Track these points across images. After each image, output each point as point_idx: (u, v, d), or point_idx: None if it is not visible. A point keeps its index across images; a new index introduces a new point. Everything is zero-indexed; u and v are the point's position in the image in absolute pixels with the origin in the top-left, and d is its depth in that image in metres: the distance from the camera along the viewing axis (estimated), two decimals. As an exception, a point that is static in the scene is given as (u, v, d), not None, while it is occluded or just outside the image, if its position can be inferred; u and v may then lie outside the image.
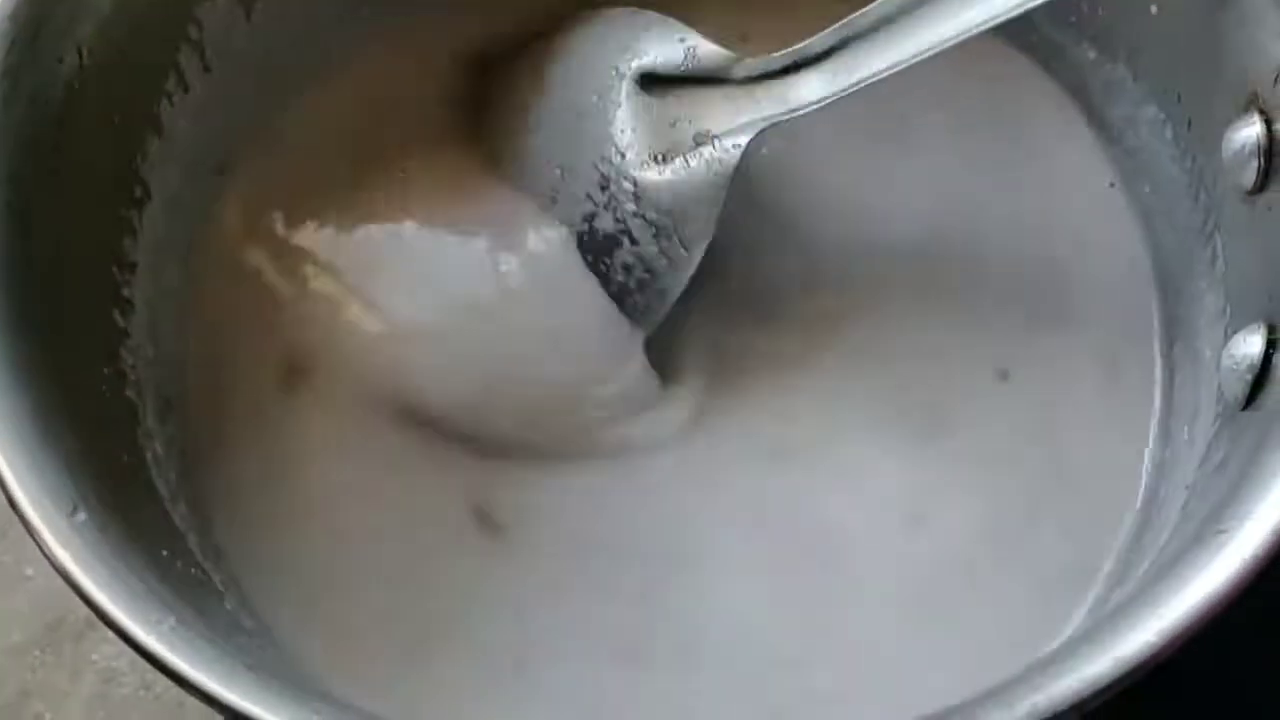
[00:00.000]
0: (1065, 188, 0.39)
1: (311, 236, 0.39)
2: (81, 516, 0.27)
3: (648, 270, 0.37)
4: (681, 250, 0.37)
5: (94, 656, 0.44)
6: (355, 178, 0.40)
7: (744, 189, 0.37)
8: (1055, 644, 0.31)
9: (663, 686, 0.34)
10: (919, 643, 0.34)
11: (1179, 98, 0.35)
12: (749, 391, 0.38)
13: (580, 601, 0.35)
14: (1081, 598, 0.34)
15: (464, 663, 0.34)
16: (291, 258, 0.39)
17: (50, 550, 0.26)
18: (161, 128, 0.37)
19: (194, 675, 0.25)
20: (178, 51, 0.37)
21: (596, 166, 0.38)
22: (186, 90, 0.37)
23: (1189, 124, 0.35)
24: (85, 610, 0.43)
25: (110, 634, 0.43)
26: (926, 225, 0.39)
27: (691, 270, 0.37)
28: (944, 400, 0.37)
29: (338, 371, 0.38)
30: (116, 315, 0.35)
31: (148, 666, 0.43)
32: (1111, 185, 0.39)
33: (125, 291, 0.35)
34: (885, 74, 0.35)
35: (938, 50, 0.34)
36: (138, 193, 0.36)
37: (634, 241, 0.37)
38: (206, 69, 0.38)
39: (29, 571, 0.45)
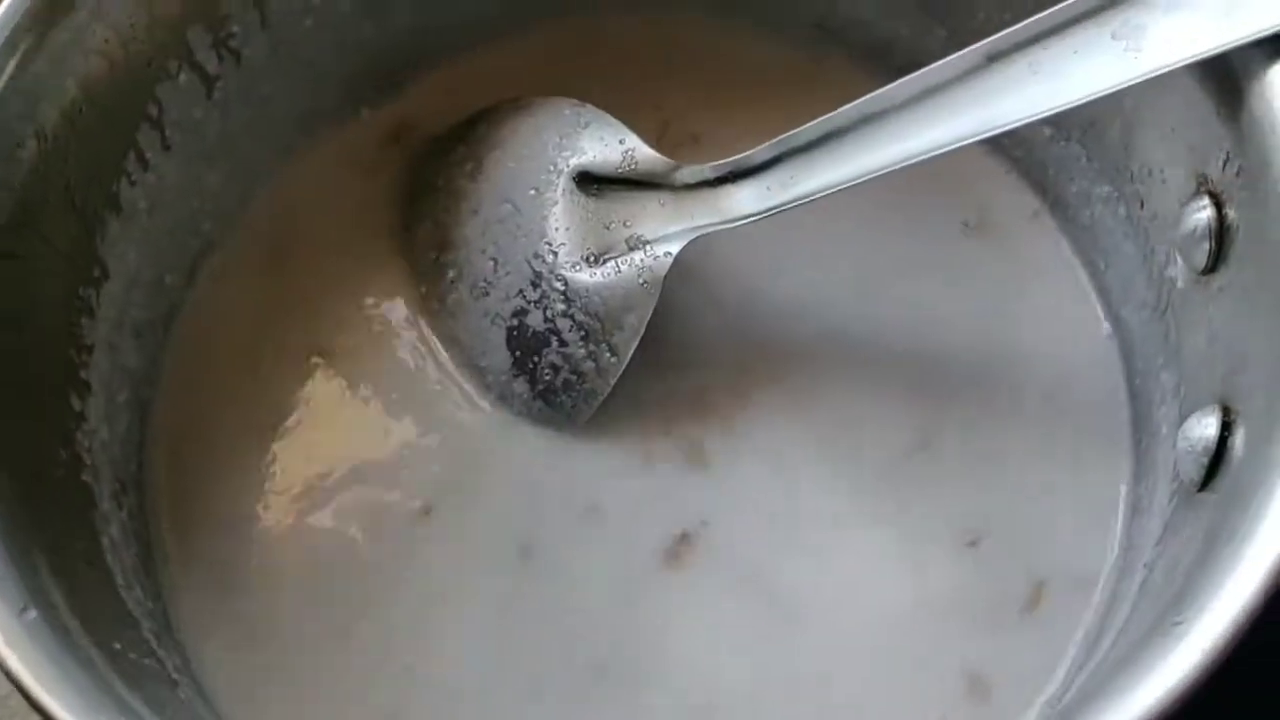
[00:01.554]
0: (1022, 266, 0.39)
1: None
2: (31, 614, 0.27)
3: (574, 372, 0.37)
4: (609, 355, 0.37)
5: None
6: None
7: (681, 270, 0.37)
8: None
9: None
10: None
11: (1131, 176, 0.36)
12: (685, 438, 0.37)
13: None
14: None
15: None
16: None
17: (-2, 650, 0.26)
18: (121, 207, 0.36)
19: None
20: (137, 130, 0.37)
21: (529, 262, 0.38)
22: (146, 169, 0.37)
23: (1141, 203, 0.35)
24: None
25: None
26: (871, 306, 0.39)
27: (618, 375, 0.37)
28: (881, 471, 0.37)
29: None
30: (74, 398, 0.34)
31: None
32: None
33: (83, 374, 0.35)
34: (822, 194, 0.35)
35: (878, 174, 0.34)
36: (96, 272, 0.36)
37: (562, 343, 0.37)
38: (166, 147, 0.37)
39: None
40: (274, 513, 0.37)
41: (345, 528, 0.37)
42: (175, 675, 0.33)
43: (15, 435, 0.31)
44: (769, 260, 0.39)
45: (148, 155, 0.37)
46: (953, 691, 0.34)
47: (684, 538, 0.36)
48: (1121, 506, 0.35)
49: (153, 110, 0.37)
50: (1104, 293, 0.38)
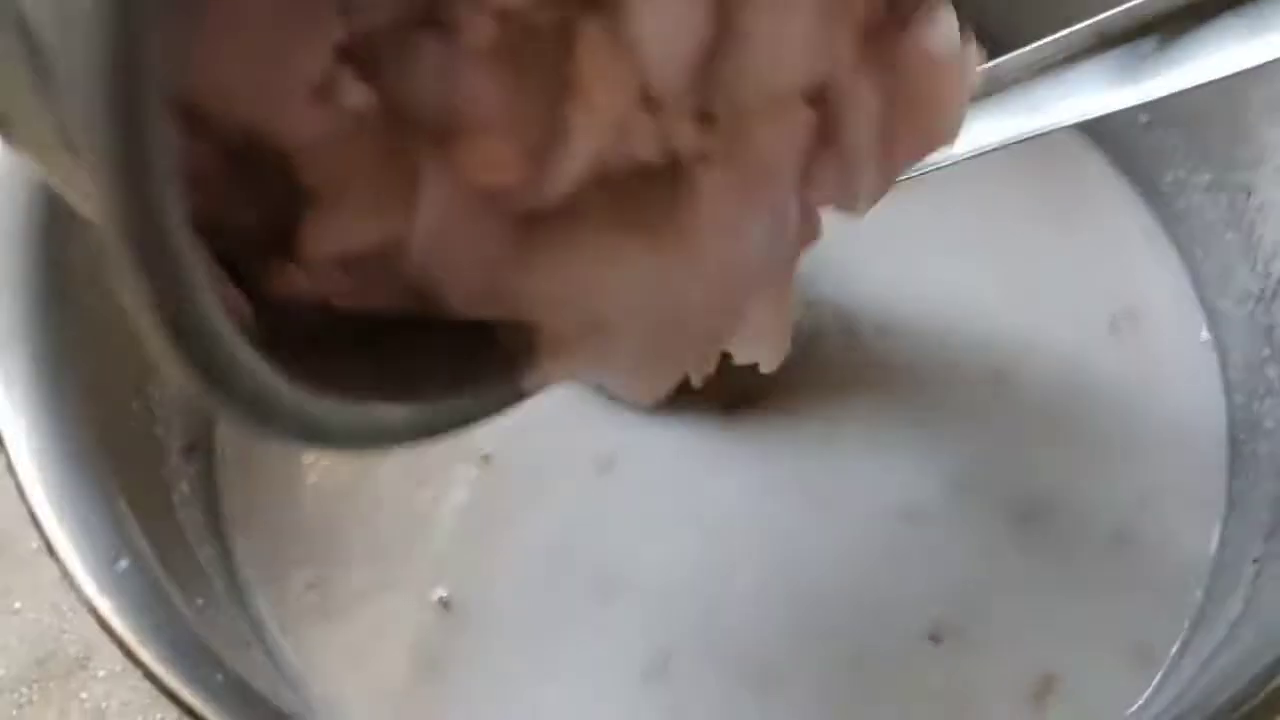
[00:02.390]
0: (1115, 254, 0.38)
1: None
2: (123, 564, 0.26)
3: None
4: None
5: (83, 695, 0.42)
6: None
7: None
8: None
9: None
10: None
11: (1236, 164, 0.35)
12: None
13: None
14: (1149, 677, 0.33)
15: None
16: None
17: (90, 600, 0.25)
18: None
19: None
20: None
21: None
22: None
23: (1248, 193, 0.35)
24: (75, 647, 0.43)
25: (101, 672, 0.43)
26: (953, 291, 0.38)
27: None
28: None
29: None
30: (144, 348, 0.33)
31: (139, 706, 0.42)
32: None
33: (156, 323, 0.34)
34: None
35: (966, 159, 0.32)
36: (171, 222, 0.35)
37: None
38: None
39: (17, 605, 0.44)
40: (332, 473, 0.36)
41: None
42: (248, 636, 0.32)
43: (94, 384, 0.30)
44: (856, 241, 0.38)
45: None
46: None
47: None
48: (1222, 501, 0.35)
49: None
50: (1200, 284, 0.38)
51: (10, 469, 0.27)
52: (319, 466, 0.36)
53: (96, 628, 0.43)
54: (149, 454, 0.33)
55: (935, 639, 0.33)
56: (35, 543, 0.43)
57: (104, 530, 0.26)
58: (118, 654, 0.42)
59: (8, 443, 0.26)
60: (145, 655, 0.24)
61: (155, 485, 0.32)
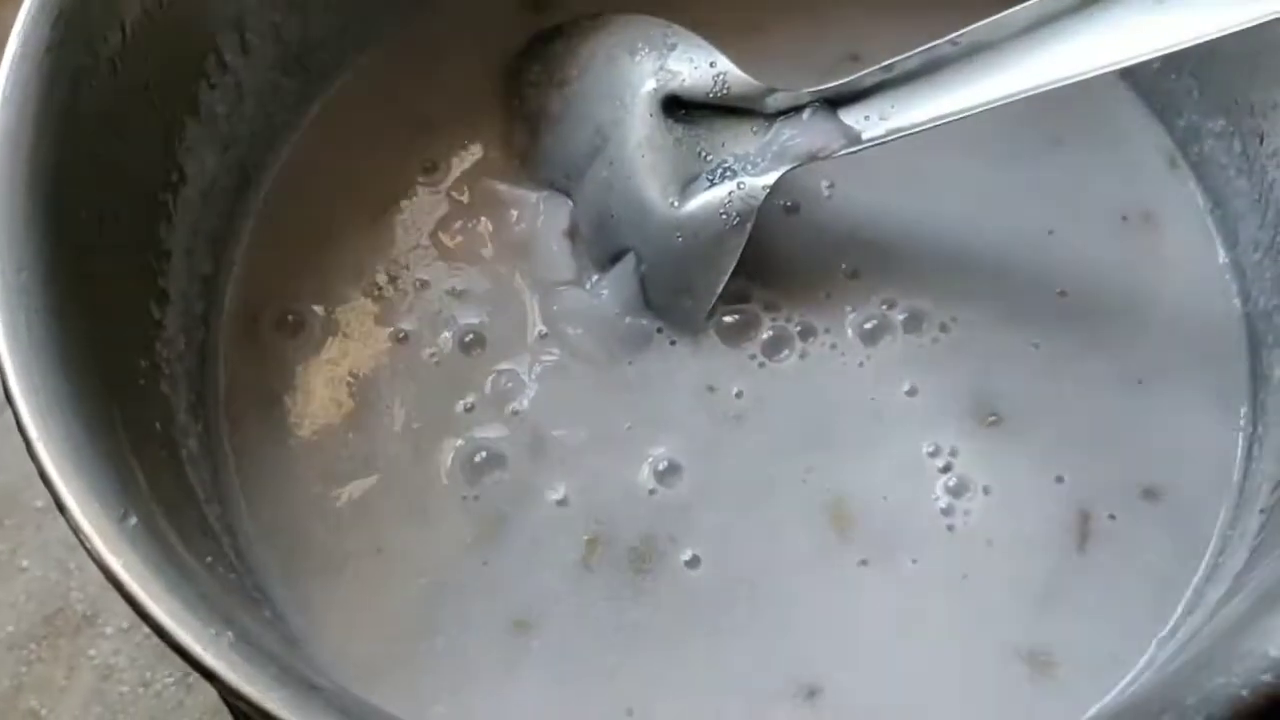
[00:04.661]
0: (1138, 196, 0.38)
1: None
2: (132, 520, 0.26)
3: (668, 301, 0.36)
4: (702, 288, 0.36)
5: (91, 651, 0.43)
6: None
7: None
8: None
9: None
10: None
11: (1251, 110, 0.34)
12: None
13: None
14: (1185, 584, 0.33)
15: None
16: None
17: (100, 556, 0.25)
18: (199, 111, 0.35)
19: (260, 698, 0.24)
20: (218, 31, 0.35)
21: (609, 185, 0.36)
22: (225, 71, 0.36)
23: (1261, 138, 0.34)
24: (83, 605, 0.43)
25: (109, 629, 0.43)
26: (982, 235, 0.38)
27: (709, 307, 0.36)
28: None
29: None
30: (152, 306, 0.33)
31: (146, 663, 0.42)
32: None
33: (161, 282, 0.34)
34: (925, 127, 0.33)
35: (982, 109, 0.33)
36: (174, 177, 0.35)
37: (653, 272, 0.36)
38: (245, 50, 0.36)
39: (24, 563, 0.44)
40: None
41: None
42: (254, 594, 0.32)
43: (102, 340, 0.30)
44: (875, 187, 0.37)
45: (227, 58, 0.36)
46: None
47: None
48: (1239, 449, 0.34)
49: (232, 10, 0.36)
50: (1218, 229, 0.37)
51: (19, 425, 0.26)
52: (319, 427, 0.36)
53: (104, 585, 0.42)
54: (157, 411, 0.32)
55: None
56: (42, 500, 0.44)
57: (113, 487, 0.26)
58: (125, 611, 0.42)
59: (16, 398, 0.26)
60: (156, 611, 0.24)
61: (164, 442, 0.32)
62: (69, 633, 0.43)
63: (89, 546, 0.25)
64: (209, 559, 0.29)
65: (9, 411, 0.45)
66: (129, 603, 0.25)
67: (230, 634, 0.24)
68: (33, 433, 0.26)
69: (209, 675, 0.24)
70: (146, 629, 0.42)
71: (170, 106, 0.34)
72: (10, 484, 0.44)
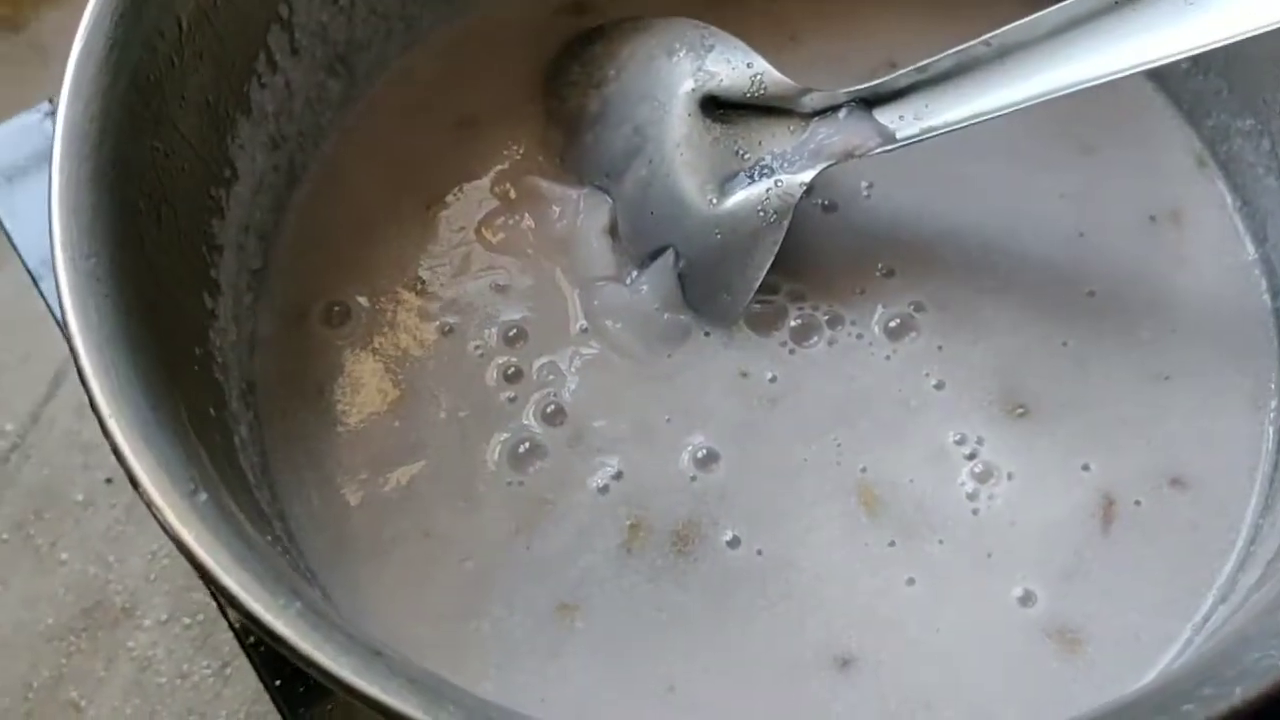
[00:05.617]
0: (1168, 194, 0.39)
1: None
2: (202, 496, 0.27)
3: (705, 295, 0.37)
4: (739, 282, 0.37)
5: (129, 644, 0.43)
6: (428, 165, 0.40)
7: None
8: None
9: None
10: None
11: None
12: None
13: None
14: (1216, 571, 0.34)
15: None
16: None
17: (173, 528, 0.26)
18: (250, 109, 0.36)
19: (329, 664, 0.24)
20: (268, 31, 0.36)
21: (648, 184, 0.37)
22: (275, 71, 0.37)
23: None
24: (121, 598, 0.44)
25: (147, 621, 0.44)
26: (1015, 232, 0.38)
27: (747, 300, 0.37)
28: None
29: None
30: (206, 297, 0.34)
31: (184, 655, 0.43)
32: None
33: (213, 273, 0.35)
34: (959, 126, 0.34)
35: (1015, 109, 0.33)
36: (226, 173, 0.36)
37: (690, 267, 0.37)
38: (294, 51, 0.37)
39: (64, 556, 0.45)
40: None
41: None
42: (306, 574, 0.33)
43: (161, 326, 0.31)
44: (912, 188, 0.38)
45: (277, 58, 0.37)
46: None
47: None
48: (1269, 440, 0.35)
49: (283, 10, 0.37)
50: (1246, 226, 0.38)
51: (92, 403, 0.27)
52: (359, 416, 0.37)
53: (142, 579, 0.44)
54: (212, 397, 0.33)
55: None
56: (81, 494, 0.45)
57: (181, 463, 0.27)
58: (164, 603, 0.44)
59: (89, 378, 0.27)
60: (228, 580, 0.25)
61: (220, 428, 0.33)
62: (108, 625, 0.43)
63: (161, 519, 0.26)
64: (268, 538, 0.30)
65: (48, 406, 0.47)
66: (200, 573, 0.26)
67: (298, 604, 0.25)
68: (105, 409, 0.27)
69: (279, 640, 0.25)
70: (186, 620, 0.44)
71: (223, 104, 0.35)
72: (50, 478, 0.45)
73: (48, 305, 0.41)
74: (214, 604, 0.43)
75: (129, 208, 0.31)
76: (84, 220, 0.29)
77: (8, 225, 0.42)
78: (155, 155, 0.32)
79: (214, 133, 0.35)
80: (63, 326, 0.28)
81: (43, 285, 0.41)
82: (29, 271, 0.42)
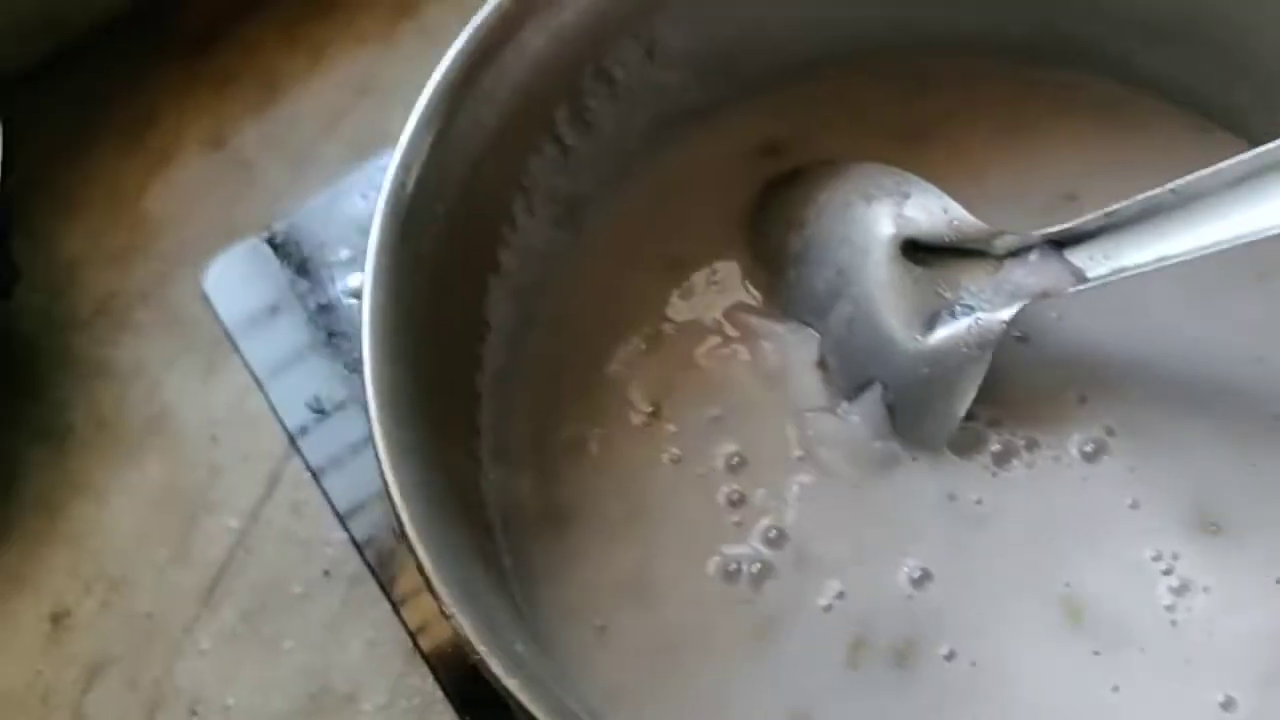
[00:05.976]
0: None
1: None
2: (519, 646, 0.31)
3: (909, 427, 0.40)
4: (942, 416, 0.40)
5: (353, 728, 0.47)
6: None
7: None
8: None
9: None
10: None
11: None
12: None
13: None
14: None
15: None
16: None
17: (504, 684, 0.30)
18: (499, 268, 0.40)
19: None
20: (512, 201, 0.40)
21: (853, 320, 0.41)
22: (515, 231, 0.41)
23: None
24: (343, 684, 0.48)
25: (366, 705, 0.48)
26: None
27: (948, 435, 0.40)
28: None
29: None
30: (475, 443, 0.39)
31: (408, 737, 0.47)
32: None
33: (477, 420, 0.39)
34: (1149, 268, 0.37)
35: (1203, 253, 0.36)
36: (483, 330, 0.40)
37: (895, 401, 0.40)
38: (531, 212, 0.41)
39: (288, 645, 0.48)
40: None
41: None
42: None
43: (455, 481, 0.35)
44: (1097, 316, 0.41)
45: (519, 220, 0.41)
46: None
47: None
48: None
49: (525, 180, 0.41)
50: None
51: (420, 569, 0.31)
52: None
53: (361, 664, 0.48)
54: (481, 534, 0.37)
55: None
56: (300, 587, 0.49)
57: (504, 621, 0.31)
58: (383, 686, 0.48)
59: (416, 548, 0.31)
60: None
61: (489, 560, 0.37)
62: (333, 709, 0.47)
63: (491, 673, 0.30)
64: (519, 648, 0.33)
65: (266, 506, 0.50)
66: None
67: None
68: (434, 578, 0.31)
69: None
70: (403, 704, 0.47)
71: (477, 263, 0.39)
72: (273, 575, 0.49)
73: (272, 408, 0.47)
74: (428, 688, 0.47)
75: (424, 384, 0.35)
76: (396, 396, 0.33)
77: (235, 337, 0.47)
78: (439, 325, 0.37)
79: (474, 291, 0.39)
80: (388, 495, 0.32)
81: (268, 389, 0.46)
82: (253, 375, 0.47)
